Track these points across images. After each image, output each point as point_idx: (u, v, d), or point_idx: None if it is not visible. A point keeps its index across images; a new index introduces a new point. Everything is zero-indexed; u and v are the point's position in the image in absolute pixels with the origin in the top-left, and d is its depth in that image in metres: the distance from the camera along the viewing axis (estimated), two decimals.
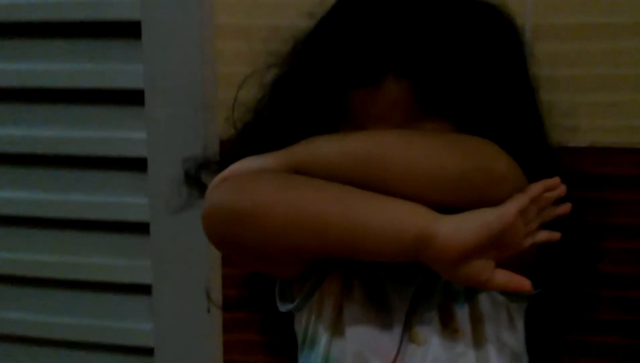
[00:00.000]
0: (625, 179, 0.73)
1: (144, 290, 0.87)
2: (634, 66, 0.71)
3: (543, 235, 0.57)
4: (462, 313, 0.61)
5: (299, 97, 0.64)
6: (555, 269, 0.68)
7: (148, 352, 0.88)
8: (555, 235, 0.58)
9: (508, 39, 0.64)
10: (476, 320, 0.61)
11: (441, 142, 0.58)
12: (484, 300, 0.62)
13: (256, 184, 0.58)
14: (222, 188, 0.59)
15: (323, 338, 0.63)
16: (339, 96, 0.60)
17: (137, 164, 0.83)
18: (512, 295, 0.62)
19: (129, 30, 0.80)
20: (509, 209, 0.53)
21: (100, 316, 0.90)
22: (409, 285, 0.62)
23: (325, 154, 0.57)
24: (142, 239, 0.86)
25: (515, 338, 0.63)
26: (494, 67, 0.60)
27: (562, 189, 0.58)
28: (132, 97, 0.82)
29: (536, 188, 0.56)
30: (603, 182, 0.73)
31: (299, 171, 0.58)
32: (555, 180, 0.57)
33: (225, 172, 0.60)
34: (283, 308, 0.67)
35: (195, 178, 0.72)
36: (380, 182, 0.55)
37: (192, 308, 0.85)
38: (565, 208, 0.58)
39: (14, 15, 0.84)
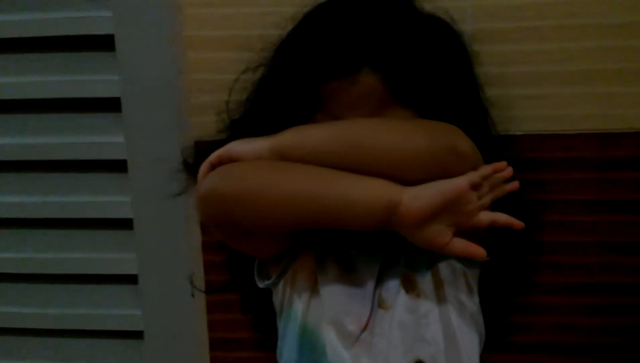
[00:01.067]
0: (556, 161, 0.79)
1: (131, 279, 0.90)
2: (562, 63, 0.76)
3: (503, 218, 0.62)
4: (423, 281, 0.67)
5: (281, 90, 0.70)
6: (502, 240, 0.73)
7: (138, 334, 0.92)
8: (517, 223, 0.63)
9: (454, 42, 0.71)
10: (437, 285, 0.67)
11: (413, 127, 0.64)
12: (443, 267, 0.68)
13: (245, 170, 0.64)
14: (214, 174, 0.65)
15: (299, 307, 0.69)
16: (316, 88, 0.66)
17: (118, 166, 0.86)
18: (468, 262, 0.68)
19: (104, 43, 0.82)
20: (462, 180, 0.60)
21: (93, 306, 0.93)
22: (375, 259, 0.69)
23: (313, 140, 0.62)
24: (127, 234, 0.88)
25: (472, 302, 0.69)
26: (446, 63, 0.67)
27: (509, 171, 0.63)
28: (110, 105, 0.84)
29: (487, 168, 0.62)
30: (538, 164, 0.80)
31: (286, 155, 0.63)
32: (503, 163, 0.62)
33: (213, 155, 0.65)
34: (261, 284, 0.73)
35: (193, 165, 0.75)
36: (362, 164, 0.61)
37: (177, 294, 0.88)
38: (514, 185, 0.63)
39: (5, 32, 0.85)
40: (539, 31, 0.76)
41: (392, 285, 0.68)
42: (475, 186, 0.60)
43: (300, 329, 0.69)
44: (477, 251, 0.61)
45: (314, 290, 0.69)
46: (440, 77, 0.66)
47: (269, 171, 0.64)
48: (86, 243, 0.92)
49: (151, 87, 0.83)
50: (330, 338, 0.67)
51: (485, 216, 0.62)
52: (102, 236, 0.91)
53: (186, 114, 0.83)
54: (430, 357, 0.65)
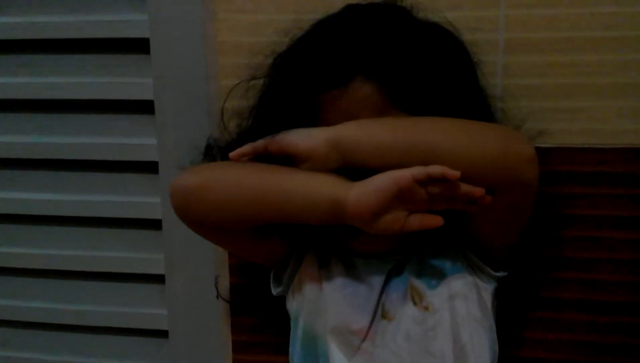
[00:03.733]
0: (588, 175, 0.77)
1: (158, 279, 0.91)
2: (596, 76, 0.75)
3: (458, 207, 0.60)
4: (433, 294, 0.67)
5: (278, 101, 0.70)
6: (522, 255, 0.74)
7: (163, 333, 0.93)
8: (474, 209, 0.60)
9: (454, 48, 0.70)
10: (449, 298, 0.66)
11: (482, 128, 0.64)
12: (456, 280, 0.67)
13: (209, 166, 0.67)
14: (184, 171, 0.68)
15: (305, 316, 0.71)
16: (312, 99, 0.66)
17: (150, 167, 0.88)
18: (484, 276, 0.68)
19: (139, 46, 0.84)
20: (404, 173, 0.59)
21: (120, 304, 0.95)
22: (382, 270, 0.69)
23: (375, 136, 0.61)
24: (155, 234, 0.90)
25: (484, 316, 0.68)
26: (443, 68, 0.66)
27: (479, 192, 0.59)
28: (144, 107, 0.86)
29: (436, 167, 0.58)
30: (569, 178, 0.78)
31: (344, 148, 0.61)
32: (456, 174, 0.57)
33: (259, 142, 0.65)
34: (274, 292, 0.75)
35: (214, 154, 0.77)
36: (423, 164, 0.59)
37: (202, 295, 0.89)
38: (478, 209, 0.60)
39: (40, 34, 0.87)
40: (572, 42, 0.75)
41: (397, 297, 0.68)
42: (420, 181, 0.58)
43: (305, 336, 0.70)
44: (433, 220, 0.60)
45: (318, 298, 0.70)
46: (437, 82, 0.65)
47: (232, 167, 0.67)
48: (116, 242, 0.93)
49: (184, 90, 0.84)
50: (332, 347, 0.67)
51: (438, 207, 0.60)
52: (131, 235, 0.93)
53: (217, 118, 0.83)
54: None
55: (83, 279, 0.96)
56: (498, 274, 0.69)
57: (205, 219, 0.67)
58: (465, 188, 0.59)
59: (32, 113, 0.92)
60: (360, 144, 0.61)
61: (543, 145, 0.76)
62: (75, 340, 0.99)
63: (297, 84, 0.67)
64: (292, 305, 0.73)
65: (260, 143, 0.65)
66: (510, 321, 0.80)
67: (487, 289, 0.69)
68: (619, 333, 0.82)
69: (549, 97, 0.76)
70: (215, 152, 0.77)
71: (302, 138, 0.63)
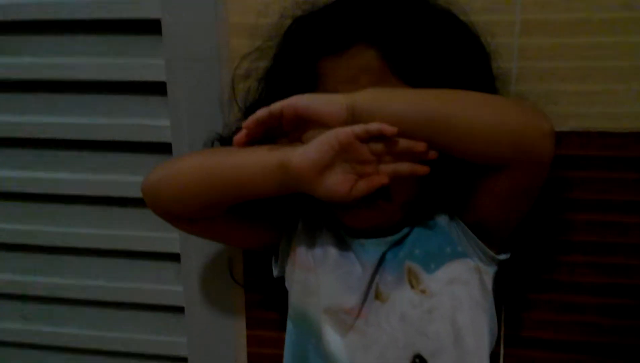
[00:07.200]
0: (604, 159, 0.76)
1: (174, 257, 0.93)
2: (612, 59, 0.73)
3: (405, 166, 0.60)
4: (431, 278, 0.67)
5: (280, 69, 0.71)
6: (532, 238, 0.74)
7: (179, 309, 0.96)
8: (420, 168, 0.60)
9: (455, 21, 0.68)
10: (448, 282, 0.67)
11: (499, 101, 0.64)
12: (457, 265, 0.68)
13: (172, 160, 0.69)
14: (153, 169, 0.69)
15: (296, 296, 0.73)
16: (312, 65, 0.66)
17: (163, 148, 0.88)
18: (486, 259, 0.68)
19: (151, 27, 0.83)
20: (346, 129, 0.59)
21: (138, 281, 0.97)
22: (377, 250, 0.69)
23: (392, 105, 0.59)
24: None
25: (484, 299, 0.68)
26: (445, 41, 0.65)
27: (421, 146, 0.59)
28: (156, 89, 0.86)
29: (374, 124, 0.58)
30: (584, 162, 0.77)
31: (360, 115, 0.59)
32: (393, 129, 0.58)
33: (275, 106, 0.62)
34: (274, 274, 0.77)
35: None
36: (440, 135, 0.59)
37: (216, 272, 0.91)
38: (423, 169, 0.60)
39: (51, 14, 0.86)
40: (589, 24, 0.73)
41: (392, 279, 0.68)
42: (362, 139, 0.58)
43: (297, 316, 0.72)
44: (379, 179, 0.60)
45: (309, 279, 0.71)
46: (438, 54, 0.63)
47: (191, 156, 0.70)
48: (133, 221, 0.95)
49: (196, 72, 0.84)
50: (326, 326, 0.69)
51: (386, 168, 0.60)
52: (147, 215, 0.88)
53: (230, 99, 0.83)
54: (430, 352, 0.66)
55: (101, 256, 0.98)
56: (500, 257, 0.69)
57: (175, 211, 0.69)
58: (405, 143, 0.59)
59: (42, 94, 0.92)
60: (375, 112, 0.59)
61: (557, 129, 0.72)
62: (93, 315, 1.01)
63: (298, 49, 0.67)
64: (287, 285, 0.76)
65: (276, 106, 0.61)
66: (519, 303, 0.82)
67: (488, 272, 0.69)
68: (627, 317, 0.82)
69: (564, 80, 0.75)
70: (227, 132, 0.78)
71: (324, 103, 0.61)
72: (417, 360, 0.66)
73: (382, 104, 0.59)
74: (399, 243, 0.69)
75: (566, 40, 0.74)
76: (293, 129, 0.63)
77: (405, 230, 0.70)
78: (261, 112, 0.62)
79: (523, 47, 0.74)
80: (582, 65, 0.74)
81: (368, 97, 0.60)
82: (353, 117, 0.60)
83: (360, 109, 0.59)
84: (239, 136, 0.63)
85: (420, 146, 0.58)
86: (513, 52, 0.75)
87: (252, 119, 0.62)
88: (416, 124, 0.59)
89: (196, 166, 0.67)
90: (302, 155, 0.60)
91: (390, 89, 0.62)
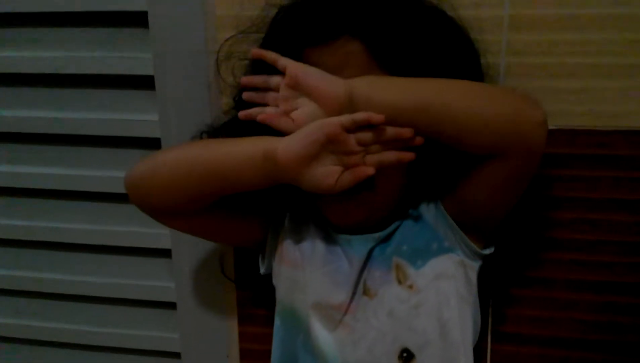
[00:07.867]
0: (589, 157, 0.76)
1: (165, 253, 0.93)
2: (600, 56, 0.72)
3: (390, 155, 0.60)
4: (418, 273, 0.68)
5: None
6: (518, 235, 0.75)
7: (171, 305, 0.96)
8: (406, 155, 0.60)
9: (440, 14, 0.68)
10: (434, 278, 0.67)
11: (493, 90, 0.64)
12: (443, 260, 0.68)
13: (154, 154, 0.68)
14: (135, 163, 0.69)
15: (283, 293, 0.73)
16: (298, 55, 0.65)
17: (152, 144, 0.87)
18: (471, 254, 0.68)
19: (138, 20, 0.82)
20: (333, 120, 0.59)
21: (131, 277, 0.97)
22: (364, 247, 0.69)
23: (388, 94, 0.60)
24: None
25: (469, 293, 0.69)
26: (429, 33, 0.65)
27: (407, 132, 0.59)
28: (144, 82, 0.85)
29: (361, 113, 0.59)
30: (569, 160, 0.76)
31: (357, 103, 0.60)
32: (380, 117, 0.58)
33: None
34: (261, 270, 0.77)
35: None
36: (436, 123, 0.59)
37: (207, 268, 0.91)
38: (408, 155, 0.60)
39: (37, 7, 0.85)
40: (579, 20, 0.72)
41: (380, 275, 0.69)
42: (348, 129, 0.59)
43: (285, 312, 0.73)
44: (364, 171, 0.60)
45: (297, 276, 0.72)
46: (422, 46, 0.63)
47: (173, 149, 0.70)
48: (123, 217, 0.94)
49: (184, 65, 0.83)
50: (314, 322, 0.69)
51: (372, 158, 0.60)
52: (137, 211, 0.89)
53: (218, 93, 0.84)
54: (417, 346, 0.66)
55: (92, 252, 0.98)
56: (484, 251, 0.70)
57: (160, 204, 0.69)
58: (392, 130, 0.59)
59: (29, 87, 0.92)
60: (370, 100, 0.60)
61: None
62: (85, 311, 1.01)
63: (284, 38, 0.67)
64: (274, 282, 0.76)
65: (284, 61, 0.63)
66: (506, 299, 0.82)
67: (473, 267, 0.70)
68: (612, 313, 0.82)
69: (552, 76, 0.74)
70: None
71: (327, 82, 0.62)
72: (405, 354, 0.67)
73: (379, 92, 0.60)
74: (386, 239, 0.70)
75: (555, 36, 0.73)
76: (285, 96, 0.64)
77: (393, 226, 0.70)
78: (270, 55, 0.64)
79: (511, 43, 0.74)
80: (571, 61, 0.74)
81: (365, 85, 0.61)
82: (350, 103, 0.60)
83: (358, 96, 0.60)
84: (245, 94, 0.66)
85: (407, 132, 0.59)
86: (501, 48, 0.74)
87: (248, 85, 0.66)
88: (413, 112, 0.59)
89: (180, 157, 0.67)
90: (287, 146, 0.60)
91: (388, 78, 0.62)
